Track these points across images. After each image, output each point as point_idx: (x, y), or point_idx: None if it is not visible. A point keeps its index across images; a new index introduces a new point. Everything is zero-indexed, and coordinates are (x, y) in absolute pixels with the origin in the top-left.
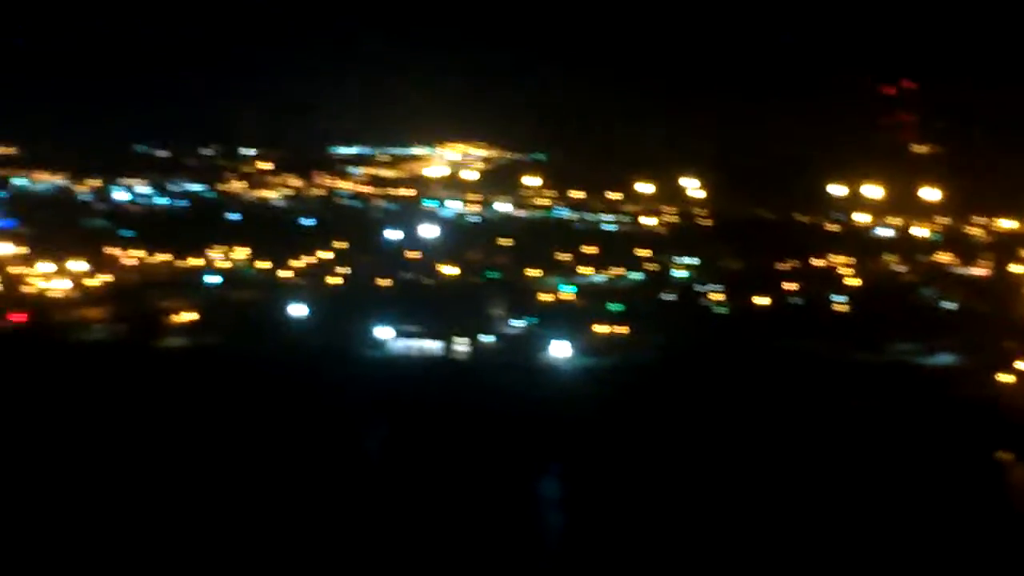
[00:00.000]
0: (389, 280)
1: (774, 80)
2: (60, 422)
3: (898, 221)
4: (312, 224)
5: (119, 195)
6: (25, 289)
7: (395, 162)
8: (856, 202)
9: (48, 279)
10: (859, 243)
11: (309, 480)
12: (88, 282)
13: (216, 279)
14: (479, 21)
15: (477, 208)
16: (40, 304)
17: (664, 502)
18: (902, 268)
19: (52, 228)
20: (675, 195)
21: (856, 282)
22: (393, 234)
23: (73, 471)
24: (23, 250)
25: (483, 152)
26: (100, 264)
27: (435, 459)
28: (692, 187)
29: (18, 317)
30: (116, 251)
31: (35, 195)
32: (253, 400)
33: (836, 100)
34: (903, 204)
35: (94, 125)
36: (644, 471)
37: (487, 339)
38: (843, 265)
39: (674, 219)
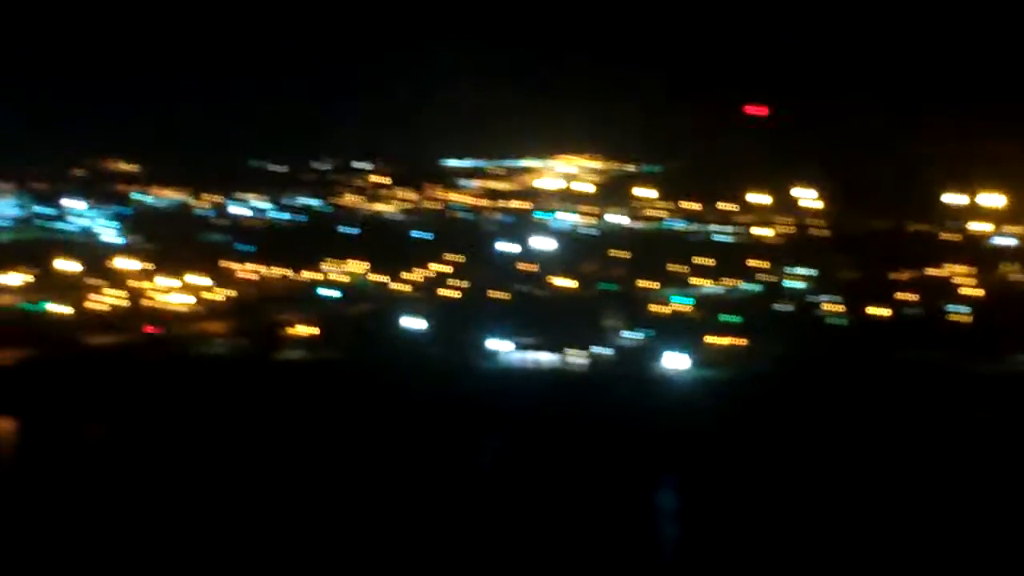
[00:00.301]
0: (504, 292)
1: (891, 91)
2: (185, 432)
3: (1019, 230)
4: (427, 237)
5: (237, 210)
6: (148, 303)
7: (509, 175)
8: (974, 211)
9: (169, 293)
10: (978, 252)
11: (427, 489)
12: (208, 296)
13: (333, 292)
14: (592, 35)
15: (591, 220)
16: (162, 318)
17: (782, 514)
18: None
19: (173, 243)
20: (790, 206)
21: (976, 292)
22: (507, 246)
23: (199, 479)
24: (146, 265)
25: (597, 164)
26: (220, 278)
27: (551, 470)
28: (807, 198)
29: (152, 330)
30: (235, 265)
31: (156, 211)
32: (370, 411)
33: (954, 109)
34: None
35: (213, 142)
36: (761, 483)
37: (602, 351)
38: (962, 275)
39: (789, 230)
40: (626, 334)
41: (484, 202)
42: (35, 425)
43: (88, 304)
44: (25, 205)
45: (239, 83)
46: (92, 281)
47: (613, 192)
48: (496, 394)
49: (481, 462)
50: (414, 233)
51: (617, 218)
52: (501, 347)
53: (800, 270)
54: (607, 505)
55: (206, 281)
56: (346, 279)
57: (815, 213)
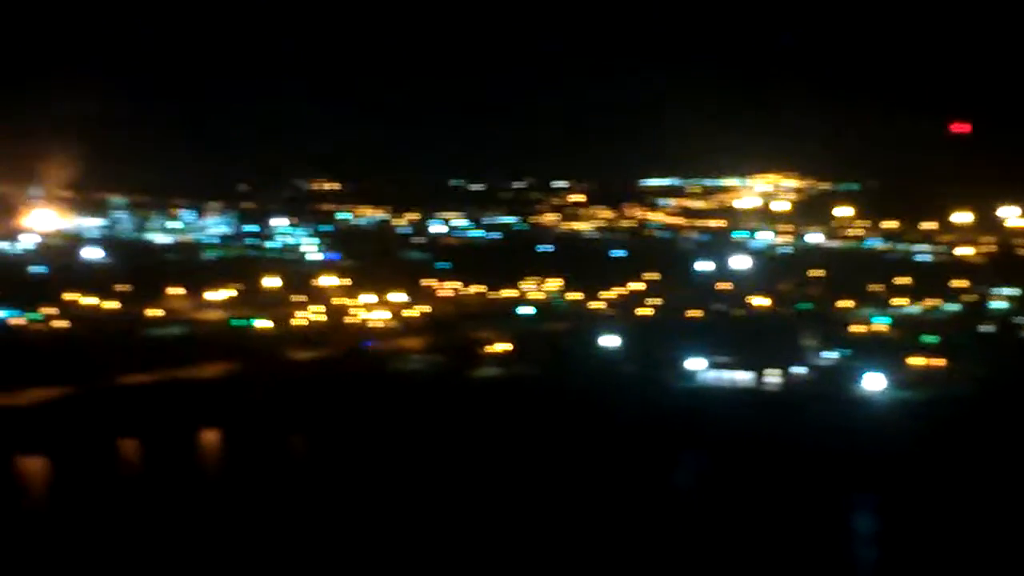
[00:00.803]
0: (700, 311)
1: None
2: (383, 446)
3: None
4: (623, 255)
5: (436, 228)
6: (348, 319)
7: (706, 193)
8: None
9: (369, 310)
10: None
11: (622, 508)
12: (406, 313)
13: (529, 310)
14: (789, 54)
15: (788, 239)
16: (362, 334)
17: (980, 539)
18: None
19: (373, 261)
20: (994, 224)
21: None
22: (704, 265)
23: (396, 492)
24: (347, 282)
25: (795, 182)
26: (418, 295)
27: (747, 491)
28: (1012, 216)
29: (366, 345)
30: (433, 283)
31: (358, 229)
32: (564, 429)
33: None
34: None
35: (413, 161)
36: (960, 507)
37: (799, 371)
38: None
39: (992, 249)
40: (823, 354)
41: (681, 221)
42: (239, 437)
43: (291, 320)
44: (233, 224)
45: (440, 104)
46: (295, 297)
47: (811, 211)
48: (691, 413)
49: (676, 481)
50: (610, 251)
51: (815, 237)
52: (696, 366)
53: (1004, 290)
54: (804, 527)
55: (405, 298)
56: (542, 297)
57: (1021, 232)
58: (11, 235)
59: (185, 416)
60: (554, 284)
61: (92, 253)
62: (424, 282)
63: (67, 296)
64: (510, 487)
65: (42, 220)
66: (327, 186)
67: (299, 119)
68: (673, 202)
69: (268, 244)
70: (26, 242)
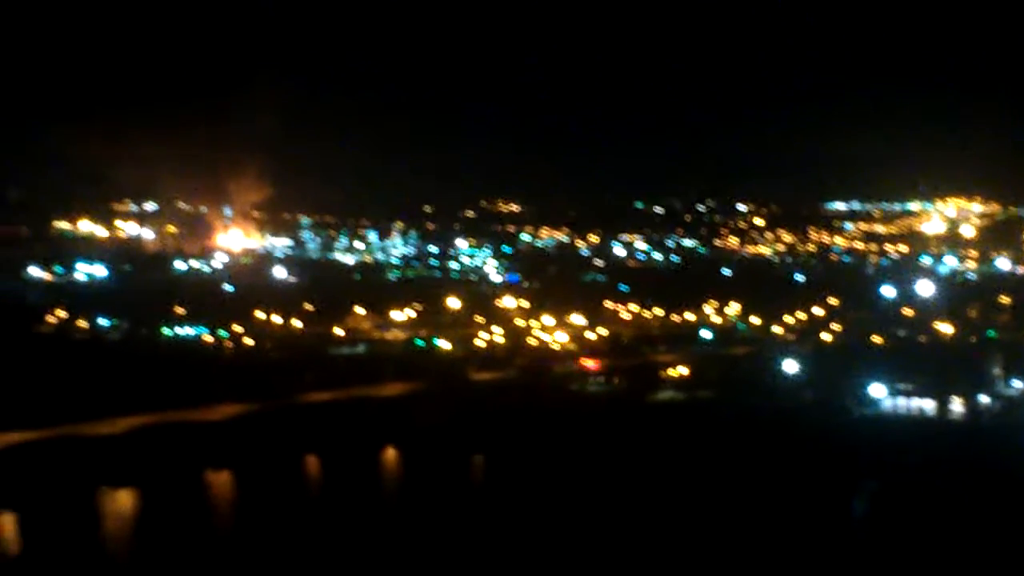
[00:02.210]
0: (882, 337)
1: None
2: (561, 466)
3: None
4: (805, 280)
5: (617, 250)
6: (528, 341)
7: (890, 218)
8: None
9: (549, 332)
10: None
11: (804, 536)
12: (586, 335)
13: (708, 334)
14: (972, 76)
15: (974, 264)
16: (542, 355)
17: None
18: None
19: (554, 282)
20: None
21: None
22: (887, 290)
23: (572, 512)
24: (526, 303)
25: (981, 207)
26: (598, 317)
27: (930, 519)
28: None
29: (590, 363)
30: (613, 305)
31: (540, 251)
32: (744, 454)
33: None
34: None
35: (595, 183)
36: None
37: (985, 400)
38: None
39: None
40: (1012, 383)
41: (864, 245)
42: (420, 456)
43: (472, 340)
44: (416, 244)
45: (624, 128)
46: (476, 318)
47: (998, 236)
48: (872, 441)
49: (857, 510)
50: (792, 275)
51: (1004, 262)
52: (878, 393)
53: None
54: (992, 558)
55: (584, 320)
56: (722, 321)
57: None
58: (203, 254)
59: (367, 434)
60: (735, 308)
61: (280, 272)
62: (604, 304)
63: (255, 314)
64: (688, 512)
65: (232, 240)
66: (509, 207)
67: (483, 141)
68: (856, 226)
69: (450, 265)
70: (217, 261)
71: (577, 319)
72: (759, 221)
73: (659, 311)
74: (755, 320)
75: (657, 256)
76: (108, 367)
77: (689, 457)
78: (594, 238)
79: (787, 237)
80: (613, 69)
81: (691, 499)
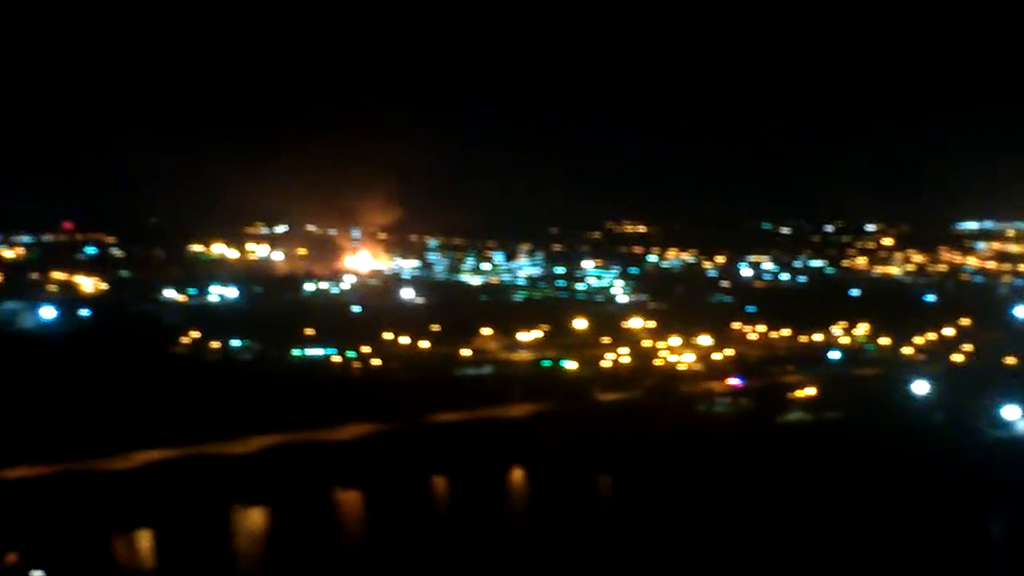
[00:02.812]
0: (1015, 358)
1: None
2: (688, 488)
3: None
4: (935, 300)
5: (744, 271)
6: (654, 362)
7: (1022, 237)
8: None
9: (676, 352)
10: None
11: (935, 561)
12: (713, 355)
13: (836, 354)
14: None
15: None
16: (668, 376)
17: None
18: None
19: (681, 303)
20: None
21: None
22: (1020, 311)
23: (699, 536)
24: (653, 324)
25: None
26: (725, 338)
27: None
28: None
29: (734, 381)
30: (740, 326)
31: (666, 272)
32: (874, 477)
33: None
34: None
35: (721, 204)
36: None
37: None
38: None
39: None
40: None
41: (997, 265)
42: (547, 476)
43: (599, 361)
44: (543, 265)
45: (749, 149)
46: (603, 339)
47: None
48: (1007, 463)
49: (991, 535)
50: (922, 296)
51: None
52: (1011, 415)
53: None
54: None
55: (711, 341)
56: (850, 342)
57: None
58: (332, 276)
59: (494, 454)
60: (863, 329)
61: (407, 294)
62: (731, 325)
63: (383, 335)
64: (818, 535)
65: (361, 261)
66: (636, 228)
67: (611, 163)
68: (988, 246)
69: (577, 286)
70: (346, 283)
71: (704, 340)
72: (888, 241)
73: (786, 332)
74: (884, 341)
75: (784, 276)
76: (240, 387)
77: (818, 479)
78: (721, 259)
79: (917, 257)
80: (742, 90)
81: (821, 522)
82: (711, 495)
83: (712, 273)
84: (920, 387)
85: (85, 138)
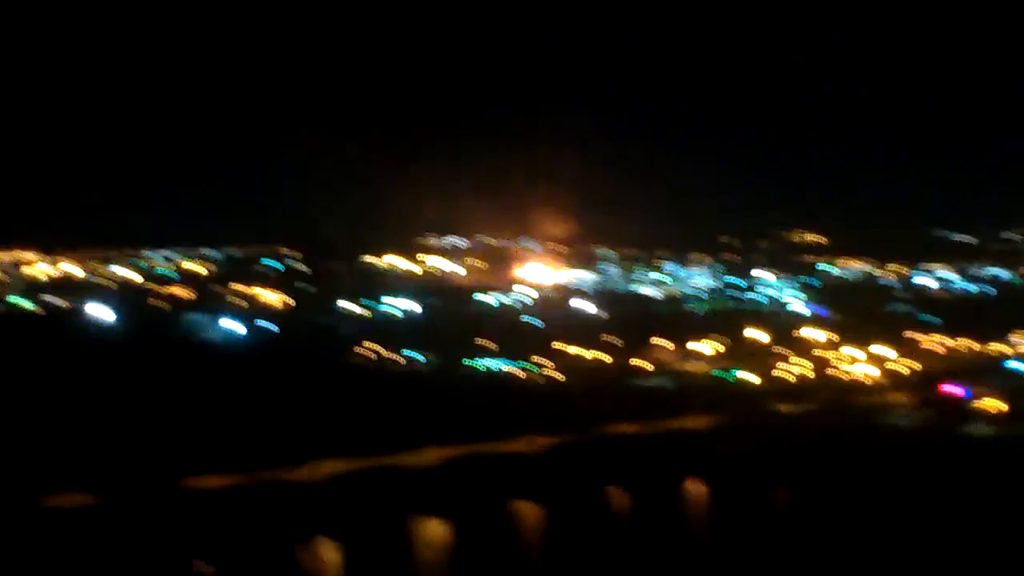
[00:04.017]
0: None
1: None
2: (868, 502)
3: None
4: None
5: (922, 280)
6: (830, 373)
7: None
8: None
9: (853, 363)
10: None
11: None
12: (891, 367)
13: (1021, 365)
14: None
15: None
16: (846, 387)
17: None
18: None
19: (858, 313)
20: None
21: None
22: None
23: (880, 550)
24: (830, 334)
25: None
26: (904, 349)
27: None
28: None
29: (954, 389)
30: (919, 336)
31: (842, 282)
32: None
33: None
34: None
35: (898, 213)
36: None
37: None
38: None
39: None
40: None
41: None
42: (723, 488)
43: (775, 372)
44: (718, 276)
45: (924, 156)
46: (779, 350)
47: None
48: None
49: None
50: None
51: None
52: None
53: None
54: None
55: (890, 352)
56: None
57: None
58: (507, 287)
59: (671, 466)
60: None
61: (583, 305)
62: (910, 335)
63: (559, 347)
64: (1008, 555)
65: (536, 273)
66: (811, 238)
67: (785, 172)
68: None
69: (752, 296)
70: (521, 294)
71: (881, 350)
72: None
73: (968, 341)
74: None
75: (965, 286)
76: (419, 399)
77: (1006, 496)
78: (897, 267)
79: None
80: (921, 96)
81: (1010, 542)
82: (890, 508)
83: (888, 282)
84: None
85: (270, 154)
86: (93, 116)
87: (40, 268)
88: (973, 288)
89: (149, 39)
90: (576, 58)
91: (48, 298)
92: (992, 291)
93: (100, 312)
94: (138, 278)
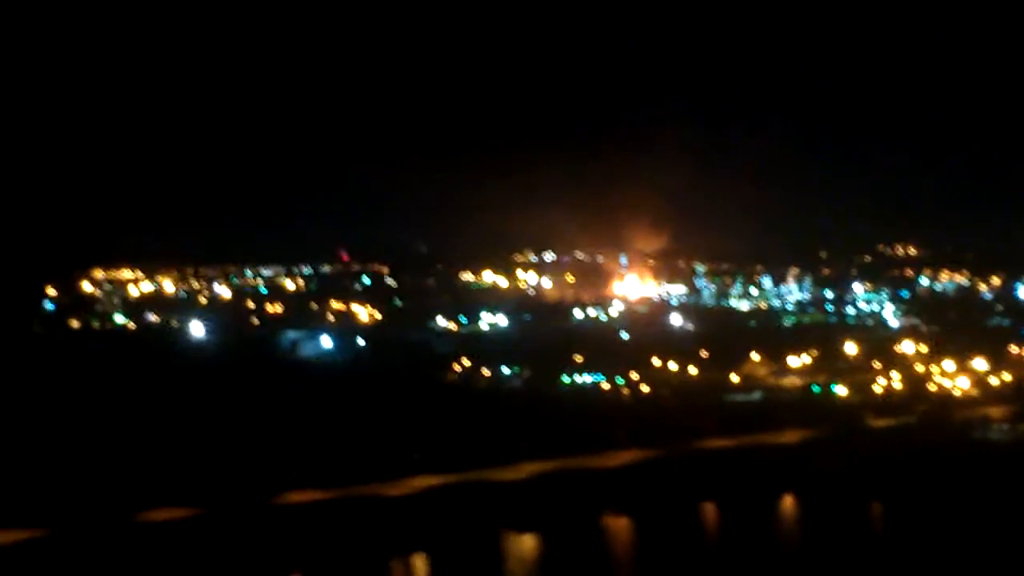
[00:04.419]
0: None
1: None
2: (965, 517)
3: None
4: None
5: (1022, 292)
6: (927, 387)
7: None
8: None
9: (950, 377)
10: None
11: None
12: (989, 380)
13: None
14: None
15: None
16: (943, 401)
17: None
18: None
19: (954, 326)
20: None
21: None
22: None
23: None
24: (926, 348)
25: None
26: (1003, 362)
27: None
28: None
29: None
30: (1018, 349)
31: (938, 294)
32: None
33: None
34: None
35: (996, 225)
36: None
37: None
38: None
39: None
40: None
41: None
42: (818, 504)
43: (871, 386)
44: (812, 289)
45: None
46: (875, 363)
47: None
48: None
49: None
50: None
51: None
52: None
53: None
54: None
55: (987, 365)
56: None
57: None
58: (600, 302)
59: (765, 481)
60: None
61: (675, 320)
62: (1008, 348)
63: (652, 361)
64: None
65: (629, 288)
66: (907, 250)
67: (879, 185)
68: None
69: (847, 310)
70: (614, 309)
71: (979, 363)
72: None
73: None
74: None
75: None
76: (511, 414)
77: None
78: (996, 280)
79: None
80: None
81: None
82: (986, 525)
83: (987, 295)
84: None
85: (359, 171)
86: (189, 134)
87: (138, 286)
88: None
89: (234, 59)
90: (674, 70)
91: (147, 315)
92: None
93: (197, 329)
94: (232, 295)
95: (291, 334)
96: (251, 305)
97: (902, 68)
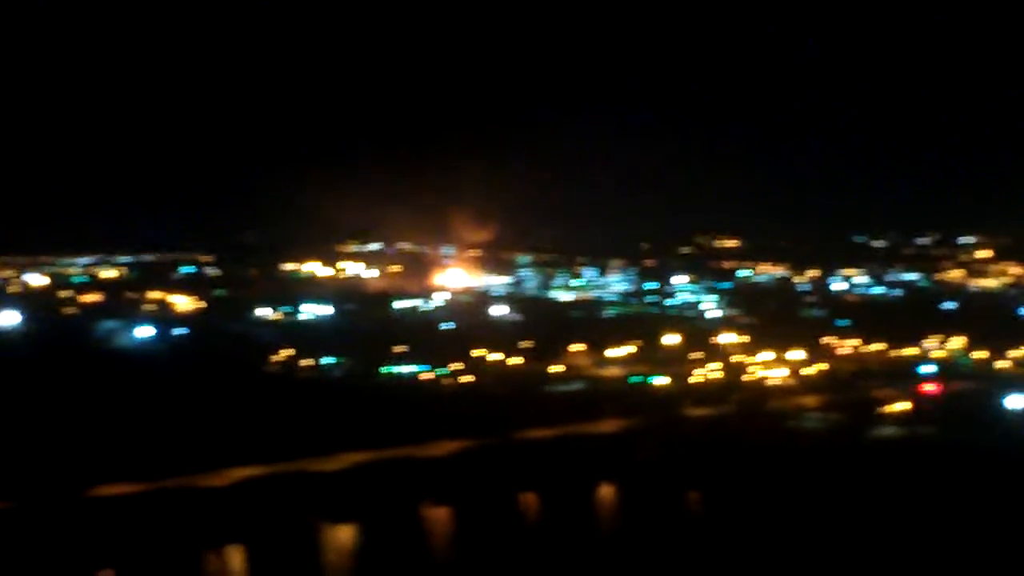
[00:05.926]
0: None
1: None
2: (778, 505)
3: None
4: None
5: (836, 285)
6: (745, 377)
7: None
8: None
9: (767, 367)
10: None
11: None
12: (804, 370)
13: (930, 369)
14: None
15: None
16: (758, 391)
17: None
18: None
19: (772, 318)
20: None
21: None
22: None
23: (789, 552)
24: (744, 339)
25: None
26: (816, 353)
27: None
28: None
29: (931, 387)
30: (832, 340)
31: (757, 286)
32: (971, 494)
33: None
34: None
35: (813, 218)
36: None
37: None
38: None
39: None
40: None
41: None
42: (636, 492)
43: (689, 377)
44: (634, 281)
45: (837, 162)
46: (693, 354)
47: None
48: None
49: None
50: (1019, 309)
51: None
52: None
53: None
54: None
55: (803, 355)
56: (944, 355)
57: None
58: (424, 293)
59: (584, 470)
60: (958, 342)
61: (498, 310)
62: (823, 339)
63: (474, 352)
64: (913, 554)
65: (452, 278)
66: (727, 244)
67: (700, 178)
68: None
69: (668, 301)
70: (437, 299)
71: (795, 354)
72: (984, 254)
73: (880, 346)
74: (980, 355)
75: (877, 290)
76: (332, 404)
77: (912, 496)
78: (813, 273)
79: (1015, 270)
80: (836, 103)
81: (916, 541)
82: (801, 510)
83: (804, 287)
84: (1017, 401)
85: (181, 161)
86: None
87: None
88: (886, 292)
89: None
90: (498, 65)
91: None
92: (905, 296)
93: (9, 319)
94: (50, 284)
95: (108, 323)
96: (66, 294)
97: (724, 60)
